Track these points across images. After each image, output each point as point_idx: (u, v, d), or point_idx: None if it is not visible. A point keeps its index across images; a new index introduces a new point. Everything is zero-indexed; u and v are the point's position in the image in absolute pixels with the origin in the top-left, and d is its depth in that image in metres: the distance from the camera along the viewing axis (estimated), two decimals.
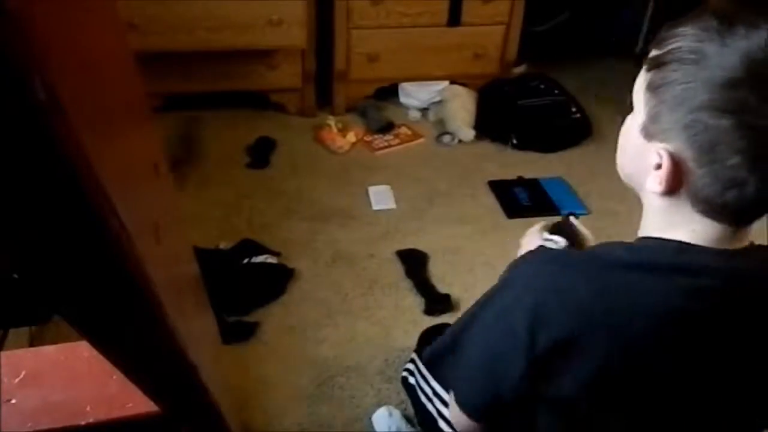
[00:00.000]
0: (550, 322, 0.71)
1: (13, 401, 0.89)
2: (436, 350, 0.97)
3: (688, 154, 0.65)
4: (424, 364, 0.97)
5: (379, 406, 1.69)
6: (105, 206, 0.42)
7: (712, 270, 0.70)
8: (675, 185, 0.68)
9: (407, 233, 2.30)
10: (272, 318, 1.94)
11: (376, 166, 2.64)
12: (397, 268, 2.14)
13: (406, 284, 2.08)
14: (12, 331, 1.07)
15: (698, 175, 0.65)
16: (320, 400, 1.71)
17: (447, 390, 0.95)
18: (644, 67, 0.71)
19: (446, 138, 2.82)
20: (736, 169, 0.62)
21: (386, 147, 2.76)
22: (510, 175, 2.63)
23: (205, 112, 2.83)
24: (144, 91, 0.73)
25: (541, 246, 0.85)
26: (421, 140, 2.83)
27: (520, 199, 2.49)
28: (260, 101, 2.87)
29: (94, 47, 0.49)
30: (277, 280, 2.04)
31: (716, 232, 0.70)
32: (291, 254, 2.16)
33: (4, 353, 0.96)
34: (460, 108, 2.84)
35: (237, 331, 1.86)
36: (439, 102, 2.93)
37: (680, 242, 0.70)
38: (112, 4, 0.59)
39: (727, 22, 0.61)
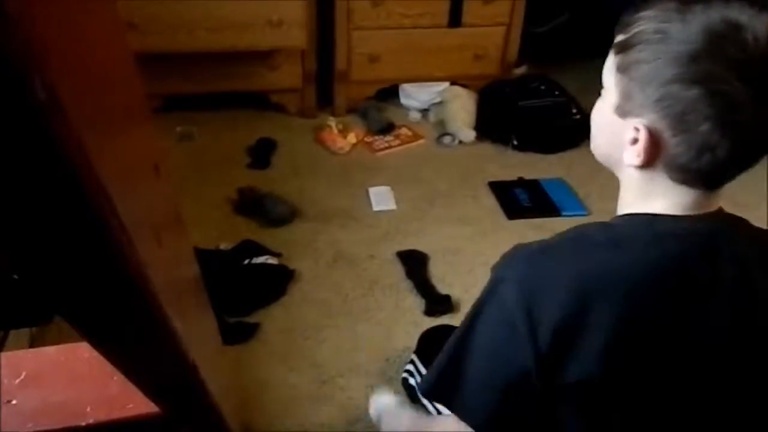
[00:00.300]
0: (545, 311, 0.72)
1: (14, 402, 0.89)
2: (435, 377, 0.88)
3: (662, 126, 0.70)
4: (424, 396, 0.91)
5: None
6: (105, 207, 0.42)
7: (684, 234, 0.74)
8: (652, 156, 0.73)
9: (408, 234, 2.30)
10: (273, 319, 1.94)
11: (377, 167, 2.64)
12: (398, 269, 2.14)
13: (407, 285, 2.08)
14: (12, 332, 1.07)
15: (673, 144, 0.70)
16: (321, 400, 1.71)
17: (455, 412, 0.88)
18: (612, 51, 0.77)
19: (447, 139, 2.82)
20: (707, 135, 0.67)
21: (387, 148, 2.76)
22: (510, 176, 2.63)
23: (206, 112, 2.83)
24: (144, 91, 0.73)
25: (519, 243, 0.82)
26: (421, 141, 2.83)
27: (521, 200, 2.48)
28: (260, 102, 2.87)
29: (94, 48, 0.49)
30: (277, 281, 2.04)
31: (690, 200, 0.74)
32: (291, 255, 2.16)
33: (4, 354, 0.96)
34: (461, 109, 2.84)
35: (237, 332, 1.86)
36: (440, 103, 2.93)
37: (652, 214, 0.75)
38: (112, 5, 0.59)
39: (686, 2, 0.67)
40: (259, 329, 1.90)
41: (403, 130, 2.87)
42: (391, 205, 2.44)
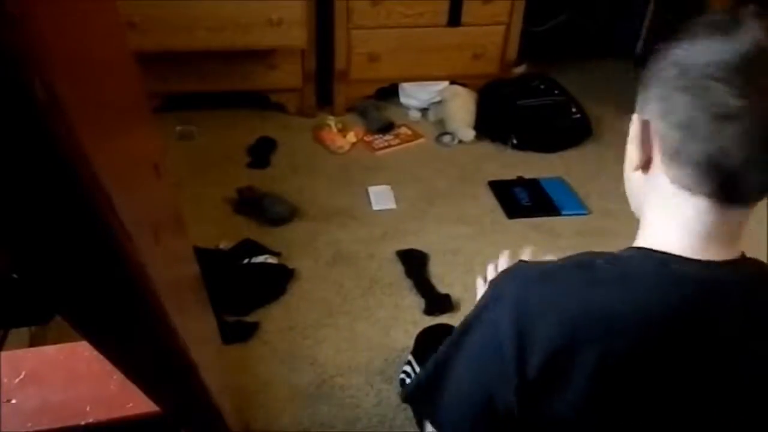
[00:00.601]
0: (537, 341, 0.70)
1: (14, 401, 0.89)
2: (419, 383, 0.87)
3: (653, 111, 0.70)
4: (404, 401, 0.90)
5: (379, 406, 1.69)
6: (104, 206, 0.42)
7: (695, 281, 0.69)
8: (648, 148, 0.72)
9: (407, 233, 2.30)
10: (272, 318, 1.94)
11: (377, 167, 2.64)
12: (397, 268, 2.14)
13: (406, 284, 2.08)
14: (12, 331, 1.07)
15: (662, 128, 0.69)
16: (320, 400, 1.71)
17: (432, 423, 0.88)
18: None
19: (446, 138, 2.82)
20: (687, 110, 0.66)
21: (386, 147, 2.76)
22: (510, 175, 2.63)
23: (205, 112, 2.84)
24: (144, 91, 0.73)
25: (521, 261, 0.81)
26: (421, 140, 2.83)
27: (520, 200, 2.49)
28: (260, 101, 2.87)
29: (94, 47, 0.49)
30: (277, 280, 2.04)
31: (705, 222, 0.69)
32: (291, 254, 2.16)
33: (4, 353, 0.96)
34: (460, 108, 2.84)
35: (237, 331, 1.86)
36: (439, 102, 2.93)
37: (665, 253, 0.70)
38: (112, 4, 0.59)
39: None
40: (258, 328, 1.90)
41: (403, 129, 2.87)
42: (391, 204, 2.44)
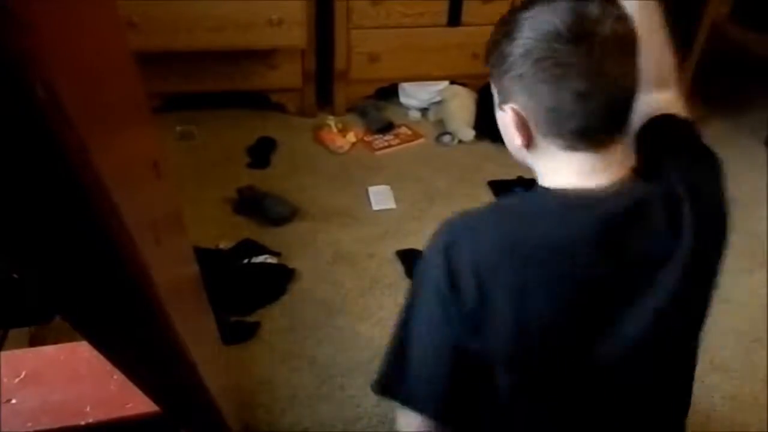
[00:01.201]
0: (467, 276, 0.78)
1: (13, 401, 0.89)
2: (384, 371, 0.91)
3: (522, 102, 0.78)
4: (377, 393, 0.92)
5: (379, 406, 1.69)
6: (106, 206, 0.42)
7: (589, 206, 0.79)
8: (528, 132, 0.81)
9: (407, 233, 2.30)
10: (272, 318, 1.94)
11: (376, 166, 2.64)
12: (398, 268, 2.14)
13: (407, 284, 2.08)
14: (12, 331, 1.07)
15: (534, 114, 0.78)
16: (320, 400, 1.71)
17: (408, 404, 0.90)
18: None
19: (446, 138, 2.82)
20: (552, 97, 0.75)
21: (386, 147, 2.76)
22: (510, 175, 2.62)
23: (206, 112, 2.83)
24: (144, 91, 0.73)
25: (455, 214, 0.89)
26: (421, 140, 2.83)
27: None
28: (260, 101, 2.87)
29: (94, 47, 0.49)
30: (277, 281, 2.04)
31: (588, 164, 0.80)
32: (291, 254, 2.16)
33: (4, 353, 0.96)
34: (460, 108, 2.84)
35: (237, 332, 1.86)
36: (439, 102, 2.93)
37: (563, 190, 0.81)
38: (112, 4, 0.59)
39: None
40: (258, 328, 1.90)
41: (403, 129, 2.87)
42: (391, 204, 2.44)
